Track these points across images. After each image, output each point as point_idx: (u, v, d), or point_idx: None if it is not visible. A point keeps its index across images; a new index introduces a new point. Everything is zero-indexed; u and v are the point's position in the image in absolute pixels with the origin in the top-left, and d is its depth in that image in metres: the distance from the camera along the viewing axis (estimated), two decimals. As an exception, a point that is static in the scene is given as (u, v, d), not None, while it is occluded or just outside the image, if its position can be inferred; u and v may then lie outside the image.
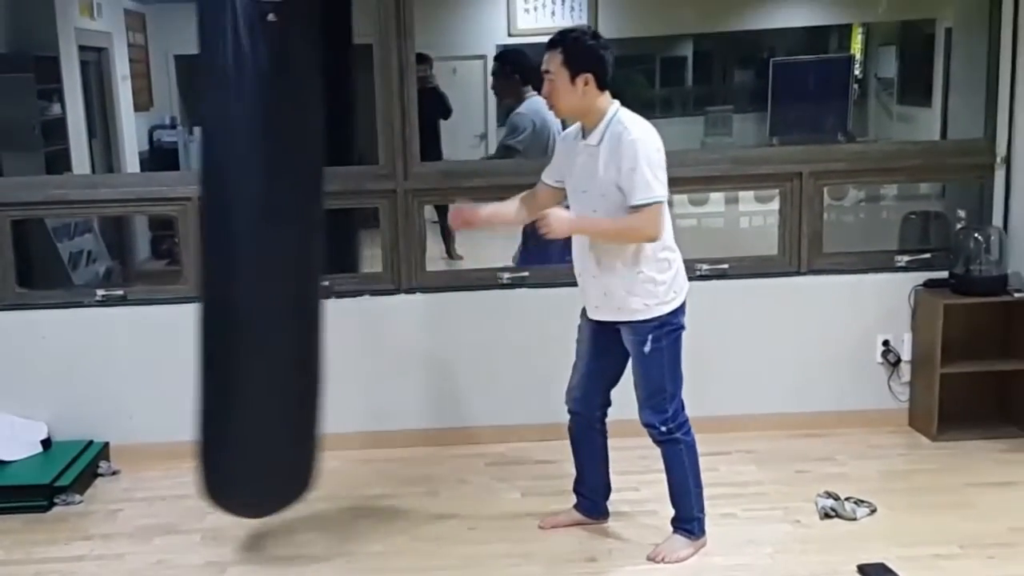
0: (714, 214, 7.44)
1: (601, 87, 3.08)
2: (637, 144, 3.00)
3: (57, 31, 6.43)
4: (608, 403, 3.46)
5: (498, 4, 8.22)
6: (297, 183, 3.07)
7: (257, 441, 3.07)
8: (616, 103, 3.12)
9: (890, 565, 3.15)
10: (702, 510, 3.35)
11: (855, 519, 3.51)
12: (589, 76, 3.05)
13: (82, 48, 6.82)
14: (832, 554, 3.27)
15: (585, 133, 3.15)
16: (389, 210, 4.22)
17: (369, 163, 4.30)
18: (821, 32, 9.38)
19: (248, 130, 2.93)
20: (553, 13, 8.18)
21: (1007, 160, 4.29)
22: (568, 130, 3.31)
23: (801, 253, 4.33)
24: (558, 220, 3.05)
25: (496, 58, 4.94)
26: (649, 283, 3.16)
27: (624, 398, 4.33)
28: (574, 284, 4.27)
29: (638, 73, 9.99)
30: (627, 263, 3.13)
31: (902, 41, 8.86)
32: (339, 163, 4.19)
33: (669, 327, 3.22)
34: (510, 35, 8.27)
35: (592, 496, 3.53)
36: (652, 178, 3.00)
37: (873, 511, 3.55)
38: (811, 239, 4.32)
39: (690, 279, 4.28)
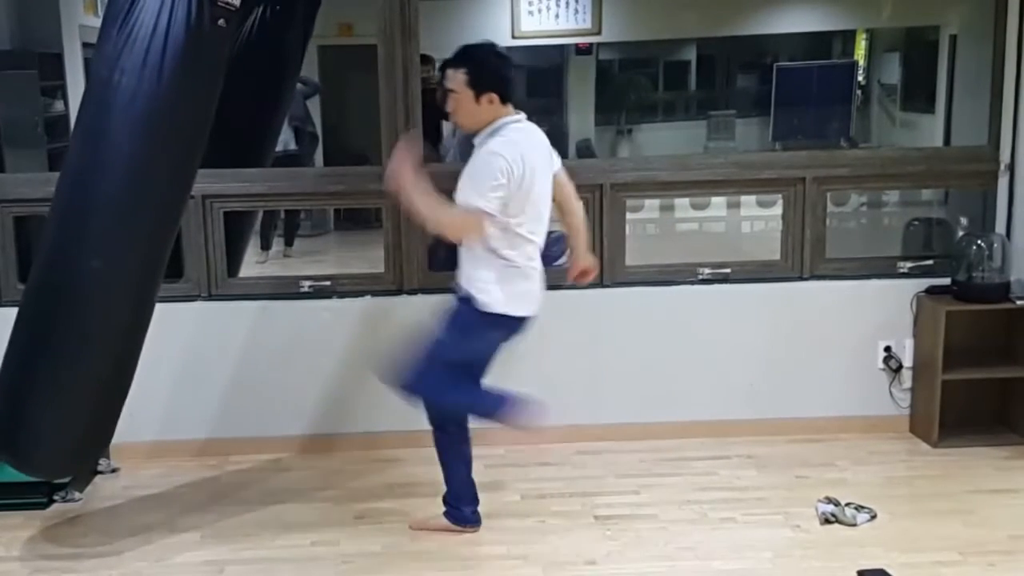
0: (716, 218, 7.45)
1: (504, 103, 3.16)
2: (482, 155, 3.10)
3: (61, 28, 6.43)
4: None
5: (502, 6, 8.23)
6: (170, 178, 3.15)
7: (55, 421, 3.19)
8: (511, 117, 3.18)
9: (890, 571, 3.14)
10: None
11: (855, 525, 3.50)
12: (494, 95, 3.13)
13: (86, 45, 6.81)
14: (832, 560, 3.26)
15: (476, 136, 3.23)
16: (391, 211, 4.21)
17: (371, 163, 4.30)
18: (825, 37, 9.40)
19: (137, 115, 2.98)
20: (557, 16, 8.19)
21: (1011, 167, 4.29)
22: None
23: (803, 258, 4.32)
24: (401, 181, 3.10)
25: (440, 69, 4.92)
26: (480, 272, 3.21)
27: (624, 402, 4.35)
28: (574, 288, 4.29)
29: (641, 77, 10.01)
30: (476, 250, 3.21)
31: (906, 47, 8.88)
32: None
33: (476, 320, 3.21)
34: (514, 37, 8.28)
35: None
36: (478, 189, 3.06)
37: (873, 517, 3.54)
38: (813, 244, 4.32)
39: (692, 283, 4.32)
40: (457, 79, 3.14)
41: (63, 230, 3.14)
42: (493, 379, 4.33)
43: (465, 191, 3.09)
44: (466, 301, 3.22)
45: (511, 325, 3.30)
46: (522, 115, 3.23)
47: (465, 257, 3.24)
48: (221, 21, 3.03)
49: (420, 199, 3.11)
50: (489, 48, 3.22)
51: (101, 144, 3.03)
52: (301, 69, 4.64)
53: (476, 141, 3.22)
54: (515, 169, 3.09)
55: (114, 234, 3.08)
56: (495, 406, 3.32)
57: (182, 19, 2.94)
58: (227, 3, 3.02)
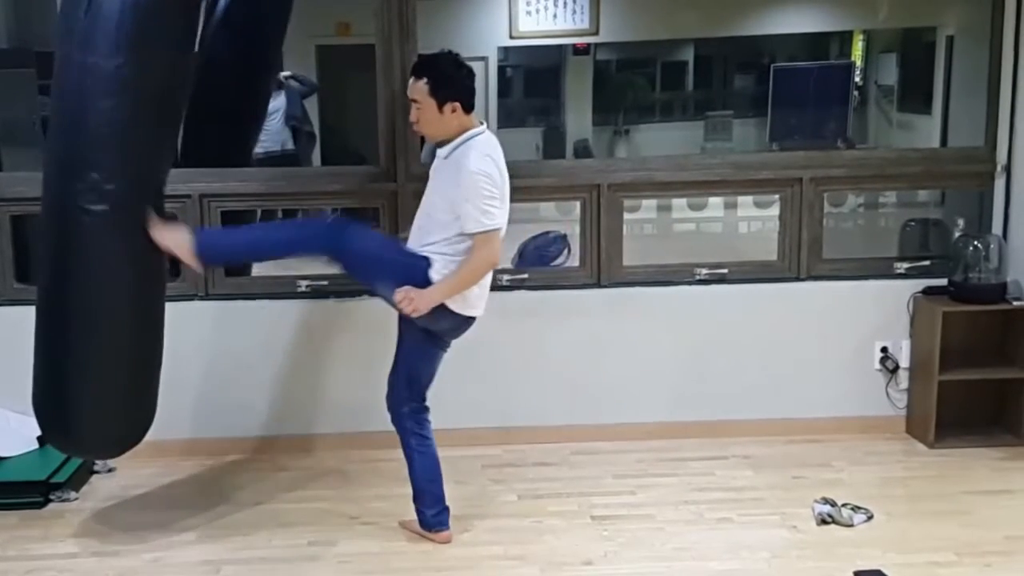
0: (713, 219, 7.46)
1: (467, 111, 3.18)
2: (470, 178, 3.09)
3: (59, 27, 6.43)
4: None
5: (500, 6, 8.23)
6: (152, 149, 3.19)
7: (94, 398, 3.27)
8: (478, 127, 3.21)
9: (886, 572, 3.15)
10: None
11: (852, 525, 3.50)
12: (456, 104, 3.15)
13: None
14: (828, 560, 3.27)
15: (443, 144, 3.24)
16: (389, 211, 4.21)
17: (368, 163, 4.30)
18: (822, 38, 9.41)
19: (116, 90, 3.00)
20: (555, 16, 8.19)
21: (1007, 168, 4.30)
22: None
23: (800, 259, 4.33)
24: (420, 298, 3.13)
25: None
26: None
27: (621, 402, 4.35)
28: (573, 287, 4.30)
29: (639, 77, 10.02)
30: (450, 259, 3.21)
31: (903, 48, 8.88)
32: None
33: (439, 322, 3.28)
34: (512, 37, 8.29)
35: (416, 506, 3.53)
36: (485, 209, 3.09)
37: (870, 518, 3.55)
38: (811, 245, 4.32)
39: (689, 283, 4.33)
40: (419, 89, 3.16)
41: (53, 224, 3.17)
42: (489, 377, 4.33)
43: (470, 219, 3.10)
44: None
45: (467, 325, 3.37)
46: (484, 125, 3.25)
47: (438, 263, 3.21)
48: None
49: (441, 293, 3.16)
50: (449, 57, 3.22)
51: (82, 125, 3.03)
52: (278, 57, 4.62)
53: (443, 152, 3.23)
54: (496, 180, 3.14)
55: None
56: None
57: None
58: None
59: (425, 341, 3.37)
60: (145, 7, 2.96)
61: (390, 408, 3.48)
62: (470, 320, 3.34)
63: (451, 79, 3.17)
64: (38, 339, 3.29)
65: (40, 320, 3.28)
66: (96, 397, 3.27)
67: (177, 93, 3.21)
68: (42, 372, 3.30)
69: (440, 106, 3.14)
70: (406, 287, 3.16)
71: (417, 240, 3.28)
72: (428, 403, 3.49)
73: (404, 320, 3.33)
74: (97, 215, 3.07)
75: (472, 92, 3.21)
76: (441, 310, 3.21)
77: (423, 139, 4.17)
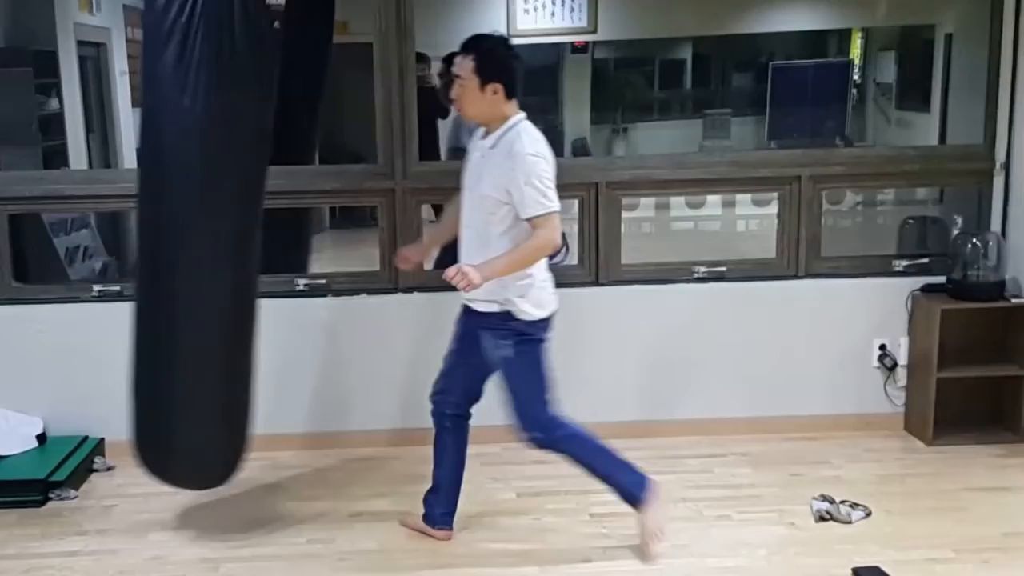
0: (712, 217, 7.46)
1: (509, 96, 3.14)
2: (528, 160, 3.05)
3: (56, 26, 6.42)
4: (464, 403, 3.46)
5: (498, 4, 8.22)
6: (238, 181, 3.19)
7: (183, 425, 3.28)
8: (521, 114, 3.18)
9: (885, 569, 3.15)
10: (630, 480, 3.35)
11: (850, 522, 3.51)
12: (499, 86, 3.11)
13: (81, 43, 6.80)
14: (827, 557, 3.27)
15: (485, 135, 3.21)
16: (387, 209, 4.22)
17: (366, 161, 4.30)
18: (820, 36, 9.40)
19: (198, 120, 3.00)
20: (553, 14, 8.18)
21: (1006, 166, 4.30)
22: (478, 129, 3.31)
23: (799, 256, 4.33)
24: (473, 274, 3.01)
25: (444, 60, 4.86)
26: (519, 277, 3.14)
27: (618, 400, 4.35)
28: (571, 286, 4.30)
29: (637, 75, 10.02)
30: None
31: (901, 46, 8.88)
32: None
33: (528, 336, 3.19)
34: (509, 35, 8.25)
35: (428, 499, 3.51)
36: (545, 191, 3.04)
37: (868, 514, 3.55)
38: (809, 243, 4.32)
39: (687, 281, 4.33)
40: (465, 66, 3.11)
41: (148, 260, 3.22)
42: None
43: (531, 201, 3.03)
44: (506, 321, 3.16)
45: (551, 324, 3.27)
46: (524, 114, 3.21)
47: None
48: (276, 23, 3.03)
49: (496, 268, 3.06)
50: (500, 40, 3.19)
51: (185, 165, 3.04)
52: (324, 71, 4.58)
53: (487, 143, 3.16)
54: (551, 162, 3.11)
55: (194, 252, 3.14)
56: (633, 484, 3.29)
57: (243, 31, 2.95)
58: (276, 4, 3.02)
59: (541, 350, 3.29)
60: (239, 50, 2.96)
61: (536, 430, 3.32)
62: (554, 314, 3.26)
63: (498, 60, 3.12)
64: (138, 373, 3.34)
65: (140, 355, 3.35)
66: (200, 433, 3.29)
67: (265, 127, 3.21)
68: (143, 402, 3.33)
69: (483, 85, 3.09)
70: (456, 265, 3.07)
71: (479, 247, 3.16)
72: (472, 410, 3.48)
73: (518, 345, 3.20)
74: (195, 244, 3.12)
75: (517, 77, 3.15)
76: (532, 326, 3.16)
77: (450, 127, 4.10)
